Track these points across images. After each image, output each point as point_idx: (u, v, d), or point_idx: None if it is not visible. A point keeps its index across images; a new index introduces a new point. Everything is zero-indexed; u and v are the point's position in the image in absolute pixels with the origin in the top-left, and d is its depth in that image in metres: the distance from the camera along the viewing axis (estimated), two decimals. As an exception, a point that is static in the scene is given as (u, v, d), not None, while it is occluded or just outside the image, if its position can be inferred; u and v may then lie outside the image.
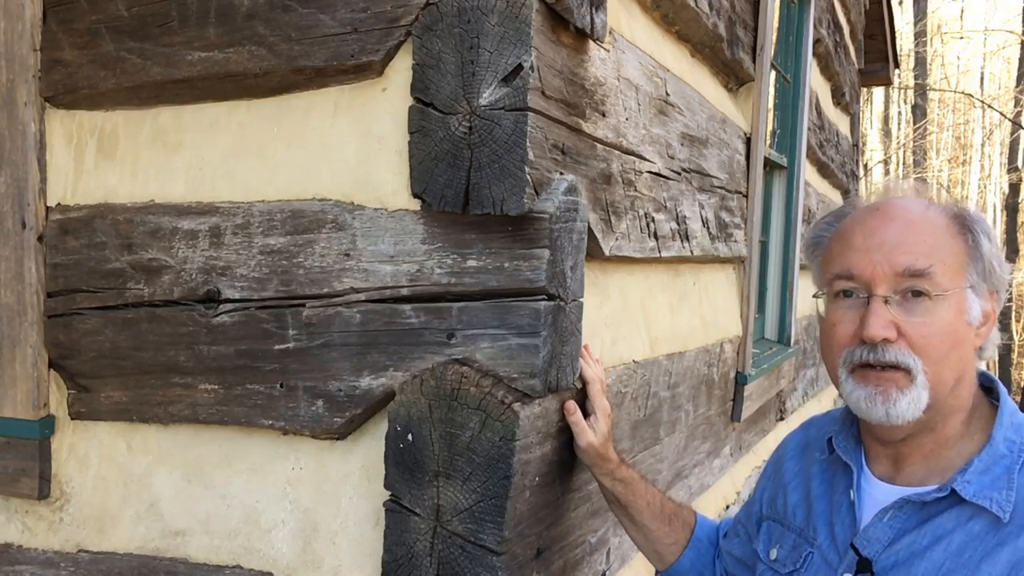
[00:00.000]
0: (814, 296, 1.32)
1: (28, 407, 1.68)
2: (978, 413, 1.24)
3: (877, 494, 1.26)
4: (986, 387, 1.27)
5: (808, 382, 4.71)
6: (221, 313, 1.54)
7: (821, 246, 1.32)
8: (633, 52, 1.80)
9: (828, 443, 1.36)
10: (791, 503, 1.40)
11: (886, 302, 1.18)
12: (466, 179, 1.32)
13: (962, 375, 1.21)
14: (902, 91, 21.51)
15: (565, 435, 1.50)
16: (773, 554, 1.39)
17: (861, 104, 7.76)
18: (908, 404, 1.17)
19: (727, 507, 2.93)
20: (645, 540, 1.59)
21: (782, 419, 3.95)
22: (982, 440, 1.21)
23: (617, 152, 1.70)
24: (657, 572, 1.65)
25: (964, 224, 1.21)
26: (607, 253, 1.67)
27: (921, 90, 20.29)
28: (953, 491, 1.17)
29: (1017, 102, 18.83)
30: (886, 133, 23.05)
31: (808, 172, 4.36)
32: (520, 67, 1.29)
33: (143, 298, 1.61)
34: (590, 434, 1.48)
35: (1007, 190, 19.90)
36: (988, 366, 19.07)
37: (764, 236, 3.62)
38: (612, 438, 1.52)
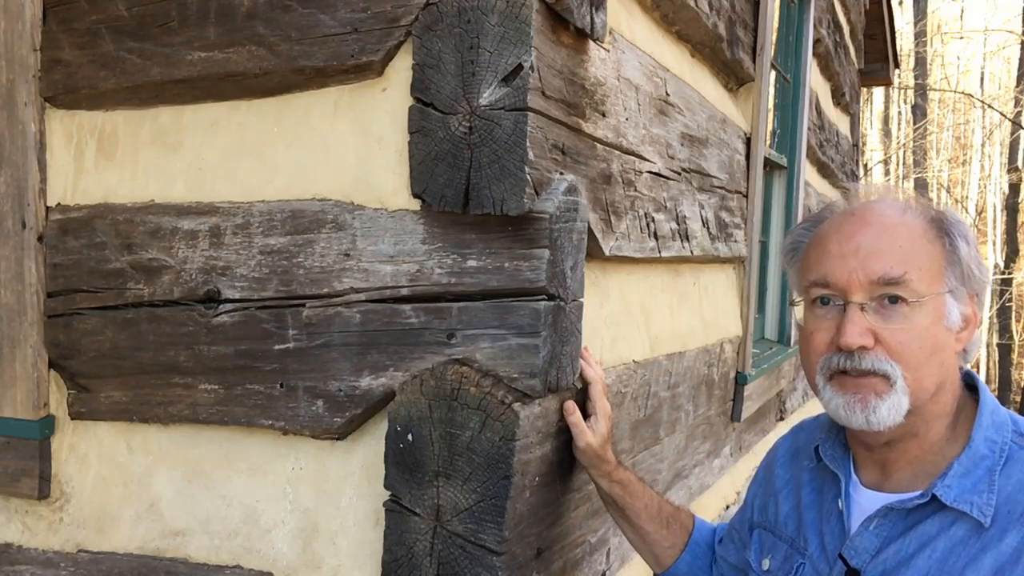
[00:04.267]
0: (791, 303, 1.30)
1: (28, 407, 1.68)
2: (964, 415, 1.22)
3: (864, 502, 1.25)
4: (971, 386, 1.25)
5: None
6: (221, 313, 1.54)
7: (799, 252, 1.30)
8: (633, 52, 1.80)
9: (815, 451, 1.35)
10: (782, 512, 1.39)
11: (862, 309, 1.16)
12: (466, 179, 1.32)
13: (944, 381, 1.19)
14: (902, 91, 21.50)
15: (565, 435, 1.50)
16: (765, 564, 1.38)
17: (861, 104, 7.76)
18: (888, 410, 1.15)
19: (727, 507, 2.92)
20: (642, 542, 1.59)
21: (782, 419, 3.95)
22: (965, 442, 1.19)
23: (617, 152, 1.70)
24: (654, 575, 1.64)
25: (941, 228, 1.20)
26: (607, 253, 1.67)
27: (921, 90, 20.28)
28: (934, 496, 1.15)
29: (1017, 102, 18.83)
30: (886, 133, 23.03)
31: (808, 172, 4.36)
32: (520, 67, 1.29)
33: (143, 298, 1.61)
34: (589, 435, 1.47)
35: (1007, 190, 19.89)
36: (989, 366, 19.06)
37: (764, 236, 3.62)
38: (611, 440, 1.52)
